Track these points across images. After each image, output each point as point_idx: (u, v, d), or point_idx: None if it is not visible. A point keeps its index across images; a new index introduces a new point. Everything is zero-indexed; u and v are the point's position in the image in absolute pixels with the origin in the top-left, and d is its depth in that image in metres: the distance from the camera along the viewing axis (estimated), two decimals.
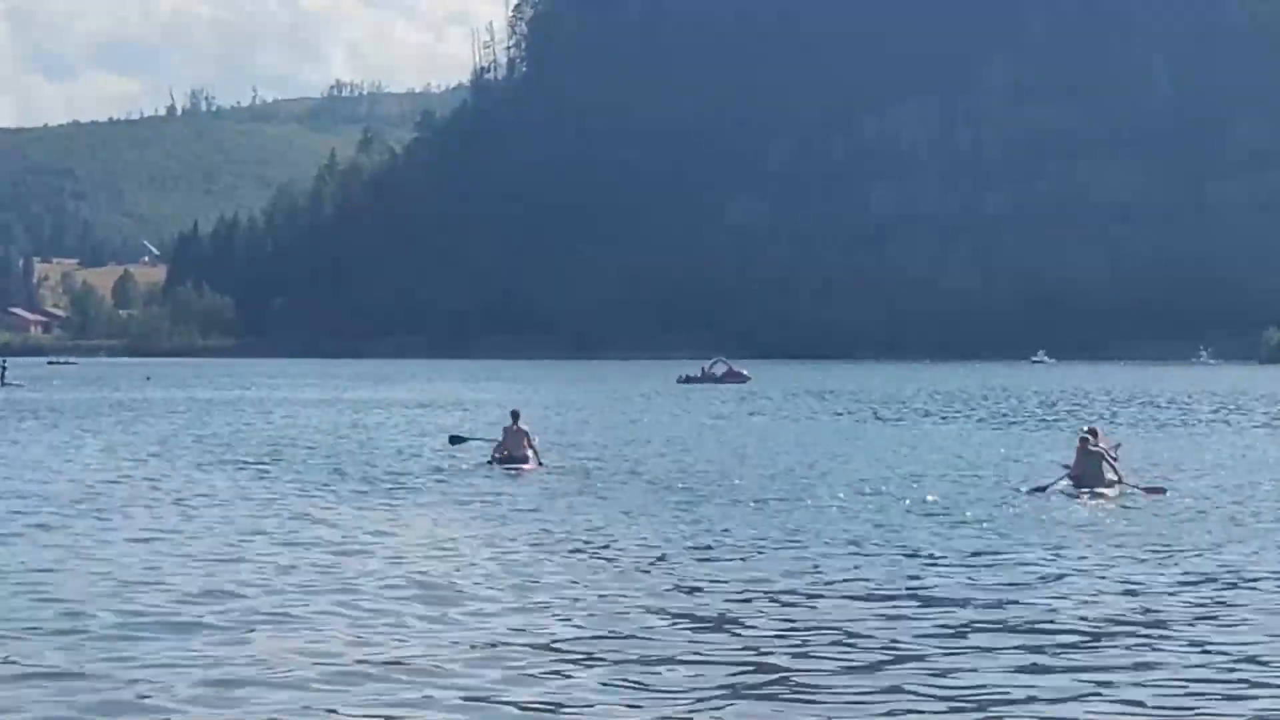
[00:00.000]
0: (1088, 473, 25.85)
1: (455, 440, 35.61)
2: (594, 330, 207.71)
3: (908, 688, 11.51)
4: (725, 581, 16.32)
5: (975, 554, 18.54)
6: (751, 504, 24.24)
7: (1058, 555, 18.44)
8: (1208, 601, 15.30)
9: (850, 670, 12.10)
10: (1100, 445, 26.51)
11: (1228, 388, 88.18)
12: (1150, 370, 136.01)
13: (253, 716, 10.69)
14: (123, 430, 46.22)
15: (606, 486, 27.37)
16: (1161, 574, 17.08)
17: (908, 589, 15.94)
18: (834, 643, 13.14)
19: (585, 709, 10.95)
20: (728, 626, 13.91)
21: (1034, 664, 12.34)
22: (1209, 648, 13.03)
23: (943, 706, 11.02)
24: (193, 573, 16.67)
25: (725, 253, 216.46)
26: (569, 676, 11.89)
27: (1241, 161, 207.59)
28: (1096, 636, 13.48)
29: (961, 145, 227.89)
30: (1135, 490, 25.72)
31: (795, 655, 12.68)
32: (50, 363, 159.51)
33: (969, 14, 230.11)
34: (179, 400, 71.27)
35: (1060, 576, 16.80)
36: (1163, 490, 25.80)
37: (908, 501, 24.53)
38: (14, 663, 12.14)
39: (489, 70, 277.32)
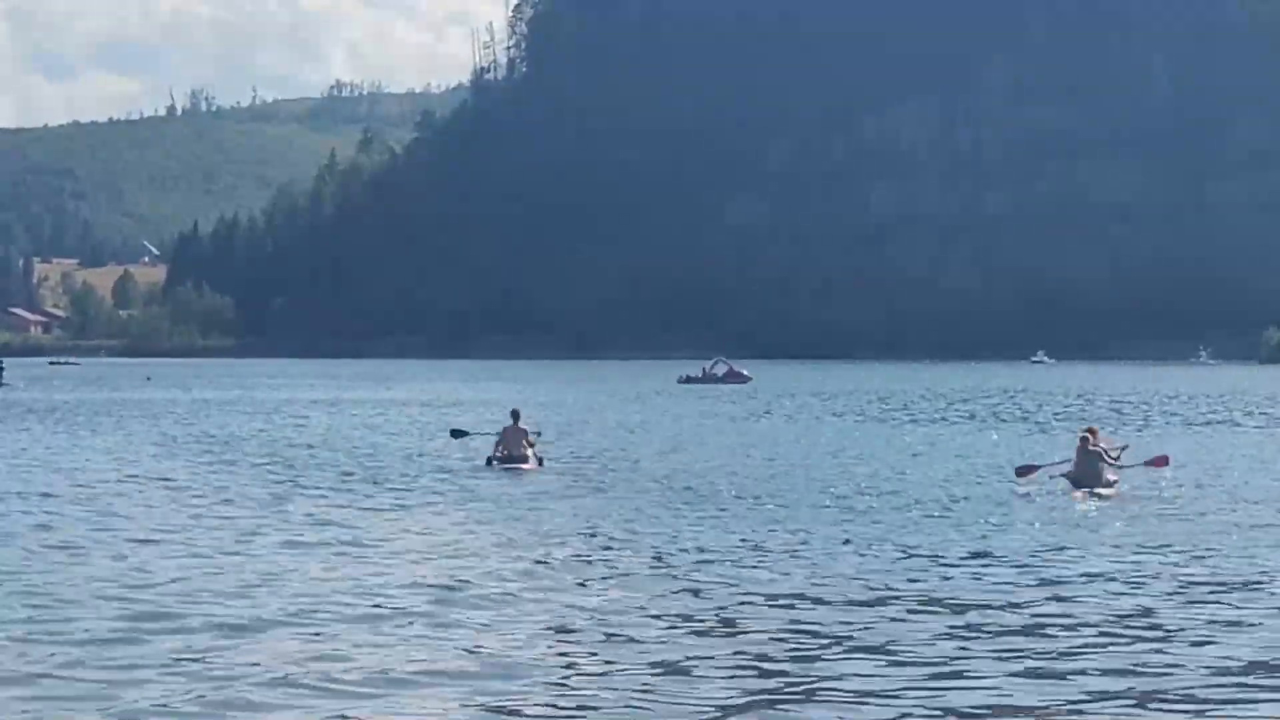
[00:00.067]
0: (1087, 472, 25.89)
1: (457, 434, 35.79)
2: (594, 330, 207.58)
3: (909, 689, 11.52)
4: (726, 582, 16.34)
5: (975, 555, 18.57)
6: (752, 504, 24.26)
7: (1058, 556, 18.46)
8: (1208, 602, 15.31)
9: (851, 671, 12.11)
10: (1100, 445, 26.55)
11: (1228, 387, 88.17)
12: (1150, 370, 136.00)
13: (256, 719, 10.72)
14: (123, 431, 46.22)
15: (607, 486, 27.39)
16: (1162, 574, 17.09)
17: (908, 590, 15.95)
18: (835, 644, 13.16)
19: (589, 711, 10.97)
20: (729, 628, 13.92)
21: (1035, 664, 12.34)
22: (1209, 648, 13.05)
23: (944, 707, 11.03)
24: (194, 574, 16.67)
25: (725, 253, 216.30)
26: (570, 677, 11.90)
27: (1241, 161, 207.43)
28: (1098, 637, 13.49)
29: (961, 145, 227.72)
30: (1138, 466, 25.83)
31: (796, 657, 12.70)
32: (52, 363, 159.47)
33: (969, 14, 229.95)
34: (180, 400, 71.25)
35: (1061, 577, 16.81)
36: (1165, 460, 25.86)
37: (908, 502, 24.54)
38: (14, 663, 12.16)
39: (489, 70, 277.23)
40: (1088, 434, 26.70)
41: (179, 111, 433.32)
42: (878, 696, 11.28)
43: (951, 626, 13.88)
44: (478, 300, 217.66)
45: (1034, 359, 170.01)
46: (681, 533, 20.61)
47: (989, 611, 14.62)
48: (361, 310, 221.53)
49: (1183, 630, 13.80)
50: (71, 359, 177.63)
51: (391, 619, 14.11)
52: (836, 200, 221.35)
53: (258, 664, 12.14)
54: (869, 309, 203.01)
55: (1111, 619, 14.30)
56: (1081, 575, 16.94)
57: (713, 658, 12.54)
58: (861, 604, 15.05)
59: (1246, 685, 11.74)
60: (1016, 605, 14.98)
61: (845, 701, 11.16)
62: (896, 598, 15.43)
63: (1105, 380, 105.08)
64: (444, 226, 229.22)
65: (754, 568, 17.43)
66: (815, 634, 13.56)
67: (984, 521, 21.91)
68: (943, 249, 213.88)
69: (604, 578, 16.72)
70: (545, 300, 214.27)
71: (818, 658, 12.62)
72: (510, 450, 30.82)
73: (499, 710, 10.94)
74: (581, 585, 16.18)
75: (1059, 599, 15.38)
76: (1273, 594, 15.83)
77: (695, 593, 15.75)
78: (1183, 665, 12.35)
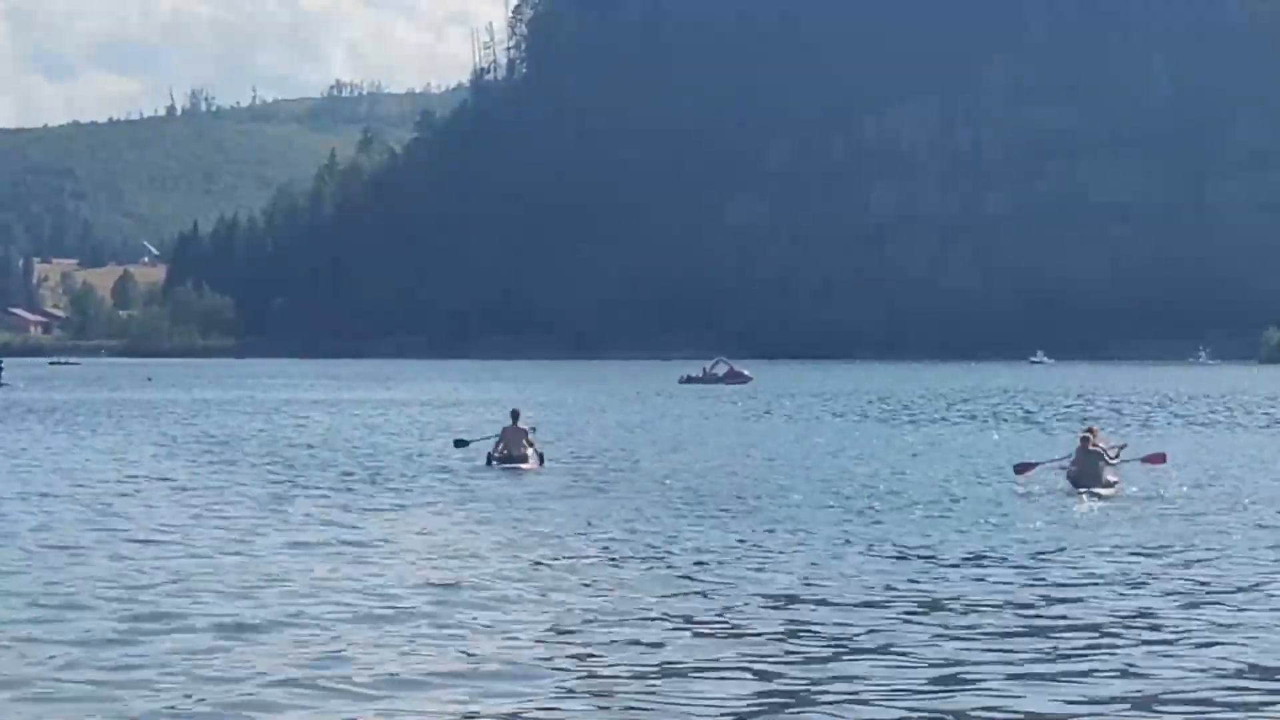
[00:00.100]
0: (1087, 472, 25.90)
1: (460, 444, 35.33)
2: (594, 330, 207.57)
3: (909, 689, 11.51)
4: (726, 582, 16.33)
5: (976, 555, 18.56)
6: (752, 504, 24.26)
7: (1059, 556, 18.45)
8: (1209, 603, 15.31)
9: (851, 672, 12.10)
10: (1100, 444, 26.55)
11: (1228, 387, 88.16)
12: (1150, 370, 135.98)
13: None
14: (123, 431, 46.22)
15: (607, 486, 27.39)
16: (1162, 575, 17.09)
17: (909, 590, 15.94)
18: (835, 644, 13.15)
19: (590, 711, 10.97)
20: (729, 628, 13.91)
21: (1036, 666, 12.34)
22: (1211, 650, 13.04)
23: (944, 708, 11.03)
24: (194, 574, 16.66)
25: (725, 253, 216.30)
26: (570, 677, 11.90)
27: (1241, 161, 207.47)
28: (1099, 638, 13.49)
29: (961, 145, 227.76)
30: (1135, 462, 25.84)
31: (797, 657, 12.69)
32: (52, 363, 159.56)
33: (969, 14, 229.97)
34: (180, 400, 71.25)
35: (1062, 578, 16.80)
36: (1163, 457, 25.87)
37: (909, 502, 24.54)
38: (14, 664, 12.15)
39: (489, 70, 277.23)
40: (1088, 434, 26.72)
41: (179, 111, 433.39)
42: (878, 697, 11.27)
43: (952, 627, 13.88)
44: (478, 300, 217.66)
45: (1033, 359, 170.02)
46: (681, 533, 20.60)
47: (989, 612, 14.61)
48: (361, 310, 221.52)
49: (1184, 632, 13.80)
50: (71, 359, 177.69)
51: (392, 619, 14.10)
52: (836, 200, 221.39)
53: (258, 664, 12.13)
54: (869, 309, 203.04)
55: (1112, 620, 14.30)
56: (1082, 576, 16.93)
57: (713, 658, 12.53)
58: (862, 604, 15.04)
59: (1248, 688, 11.73)
60: (1017, 606, 14.97)
61: (845, 702, 11.15)
62: (897, 598, 15.42)
63: (1105, 380, 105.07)
64: (444, 226, 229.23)
65: (754, 568, 17.42)
66: (815, 634, 13.55)
67: (984, 522, 21.91)
68: (943, 249, 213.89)
69: (604, 578, 16.71)
70: (545, 300, 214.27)
71: (818, 658, 12.62)
72: (510, 450, 30.81)
73: (499, 711, 10.93)
74: (582, 585, 16.18)
75: (1060, 600, 15.37)
76: (1274, 595, 15.82)
77: (695, 593, 15.74)
78: (1184, 667, 12.34)
